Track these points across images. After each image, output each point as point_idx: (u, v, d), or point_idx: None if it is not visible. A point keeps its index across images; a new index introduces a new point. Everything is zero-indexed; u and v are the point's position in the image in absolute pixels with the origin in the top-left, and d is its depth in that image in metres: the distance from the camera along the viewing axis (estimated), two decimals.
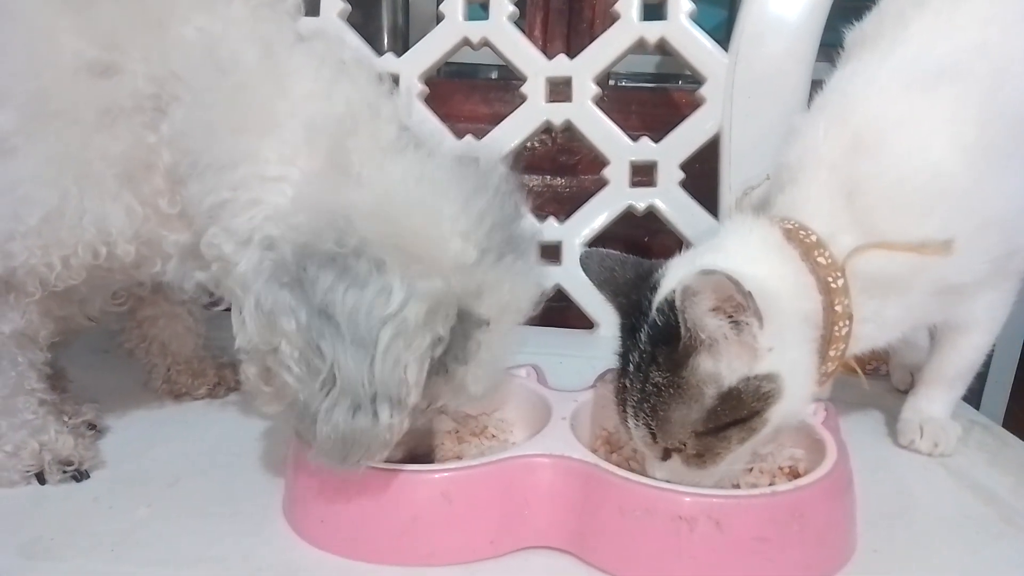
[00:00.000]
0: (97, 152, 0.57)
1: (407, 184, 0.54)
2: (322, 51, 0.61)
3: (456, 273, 0.53)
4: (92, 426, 0.73)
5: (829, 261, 0.60)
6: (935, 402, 0.74)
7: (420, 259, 0.52)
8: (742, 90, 0.96)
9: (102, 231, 0.58)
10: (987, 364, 0.80)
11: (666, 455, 0.56)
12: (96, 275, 0.61)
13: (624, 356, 0.59)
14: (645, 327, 0.57)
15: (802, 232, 0.61)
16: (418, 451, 0.60)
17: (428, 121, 1.00)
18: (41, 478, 0.64)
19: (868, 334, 0.63)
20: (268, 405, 0.57)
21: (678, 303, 0.52)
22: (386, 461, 0.55)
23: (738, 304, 0.52)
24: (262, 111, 0.57)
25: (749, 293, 0.52)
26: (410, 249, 0.51)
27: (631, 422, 0.57)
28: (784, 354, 0.55)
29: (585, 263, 0.64)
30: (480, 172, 0.57)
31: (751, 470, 0.62)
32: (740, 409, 0.54)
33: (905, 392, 0.78)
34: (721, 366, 0.54)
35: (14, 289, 0.61)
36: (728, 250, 0.61)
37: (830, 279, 0.60)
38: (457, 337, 0.53)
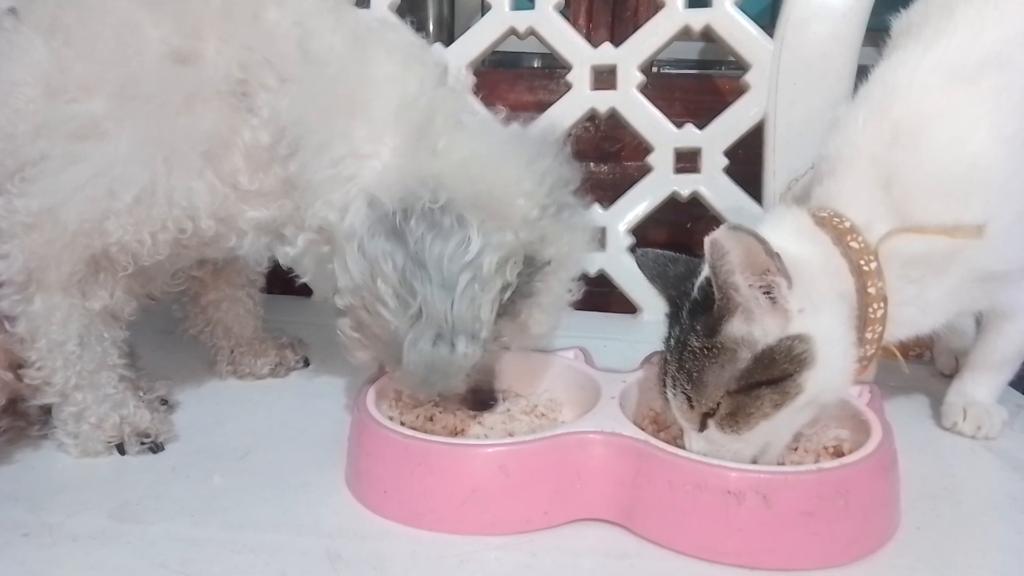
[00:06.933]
0: (182, 133, 0.62)
1: (480, 153, 0.63)
2: (393, 38, 0.68)
3: (523, 226, 0.62)
4: (164, 401, 0.77)
5: (862, 245, 0.61)
6: (980, 386, 0.74)
7: (494, 215, 0.61)
8: (787, 77, 0.96)
9: (189, 207, 0.63)
10: None
11: (703, 425, 0.58)
12: (174, 251, 0.65)
13: (668, 338, 0.62)
14: (687, 305, 0.60)
15: (836, 219, 0.62)
16: (481, 385, 0.68)
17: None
18: (121, 449, 0.69)
19: (910, 318, 0.65)
20: (359, 351, 0.66)
21: (707, 257, 0.54)
22: (454, 395, 0.66)
23: (766, 265, 0.54)
24: (351, 95, 0.64)
25: (776, 254, 0.54)
26: (485, 207, 0.61)
27: (670, 393, 0.59)
28: (816, 318, 0.57)
29: (641, 261, 0.67)
30: (538, 141, 0.67)
31: (795, 449, 0.63)
32: (773, 369, 0.56)
33: (950, 377, 0.79)
34: (755, 329, 0.56)
35: (103, 268, 0.65)
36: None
37: (862, 262, 0.61)
38: (523, 280, 0.62)
